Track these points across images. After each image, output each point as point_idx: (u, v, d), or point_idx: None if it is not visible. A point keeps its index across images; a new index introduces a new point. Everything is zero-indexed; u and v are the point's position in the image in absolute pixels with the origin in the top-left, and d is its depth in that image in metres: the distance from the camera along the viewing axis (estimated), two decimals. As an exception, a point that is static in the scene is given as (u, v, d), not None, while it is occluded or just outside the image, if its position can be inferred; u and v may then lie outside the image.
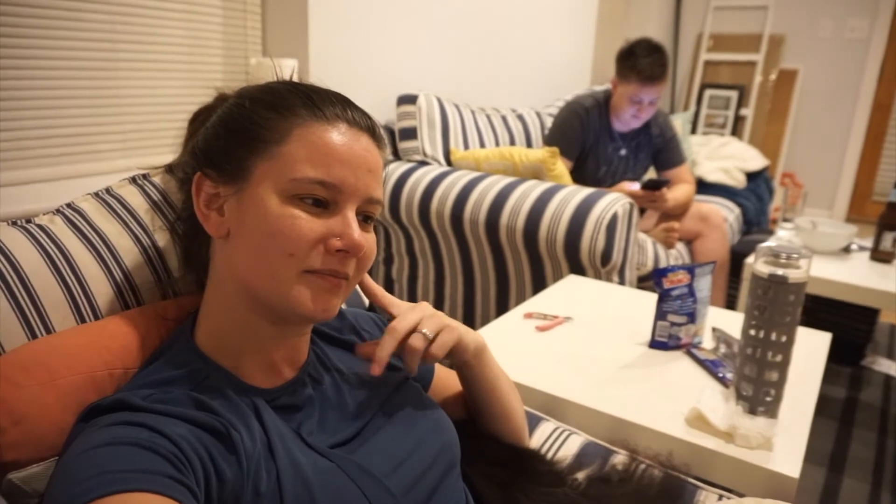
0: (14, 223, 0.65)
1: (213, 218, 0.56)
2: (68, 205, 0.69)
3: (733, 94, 3.95)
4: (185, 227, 0.63)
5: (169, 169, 0.72)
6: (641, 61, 1.94)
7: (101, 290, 0.65)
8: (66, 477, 0.42)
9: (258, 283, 0.54)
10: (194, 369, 0.55)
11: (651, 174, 2.34)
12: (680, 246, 2.10)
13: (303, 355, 0.61)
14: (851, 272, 1.70)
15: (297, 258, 0.52)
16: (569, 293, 1.35)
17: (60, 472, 0.44)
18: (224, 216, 0.56)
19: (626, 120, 2.07)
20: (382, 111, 2.04)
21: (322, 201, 0.53)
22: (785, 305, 0.82)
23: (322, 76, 1.94)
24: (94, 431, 0.46)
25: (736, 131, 3.94)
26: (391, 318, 0.65)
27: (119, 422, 0.46)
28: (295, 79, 0.62)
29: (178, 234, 0.66)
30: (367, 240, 0.56)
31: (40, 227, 0.65)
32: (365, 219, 0.57)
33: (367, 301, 1.02)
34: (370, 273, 2.10)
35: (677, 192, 2.10)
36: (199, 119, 0.64)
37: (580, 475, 0.76)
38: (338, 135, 0.54)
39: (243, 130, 0.55)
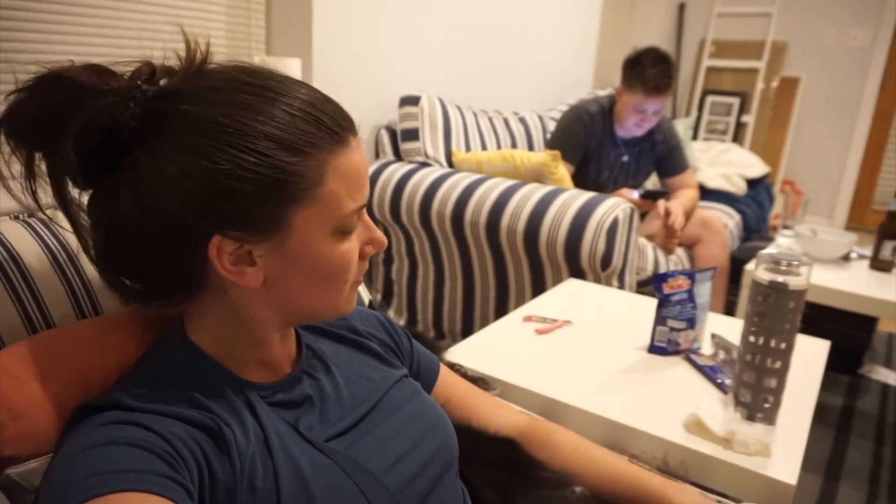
0: (16, 217, 0.65)
1: (247, 272, 0.51)
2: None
3: (735, 101, 3.95)
4: (148, 268, 0.52)
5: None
6: (648, 72, 1.94)
7: (102, 285, 0.65)
8: (60, 476, 0.42)
9: (316, 313, 0.56)
10: (189, 365, 0.54)
11: (653, 180, 2.35)
12: (680, 251, 2.10)
13: (293, 347, 0.61)
14: (851, 280, 1.71)
15: (352, 280, 0.56)
16: (568, 297, 1.36)
17: (55, 472, 0.44)
18: (256, 265, 0.51)
19: (629, 128, 2.08)
20: (385, 112, 2.05)
21: None
22: (785, 312, 0.82)
23: (325, 76, 1.94)
24: (88, 431, 0.46)
25: (737, 138, 3.94)
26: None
27: (113, 421, 0.46)
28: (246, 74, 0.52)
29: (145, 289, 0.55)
30: None
31: (42, 221, 0.65)
32: None
33: (366, 299, 1.02)
34: (369, 274, 2.10)
35: (683, 197, 2.09)
36: (41, 126, 0.49)
37: (578, 489, 0.76)
38: (355, 153, 0.53)
39: (274, 182, 0.48)
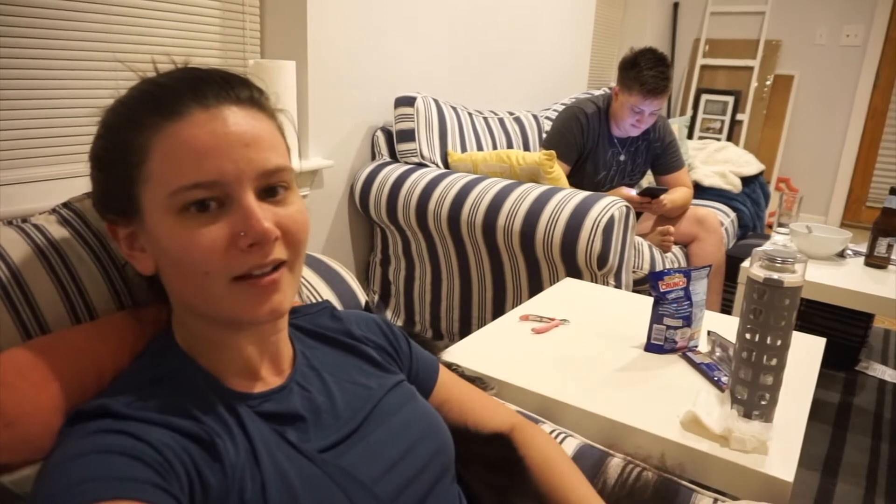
0: (10, 222, 0.65)
1: (139, 257, 0.54)
2: (65, 204, 0.69)
3: (729, 99, 3.97)
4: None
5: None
6: (645, 73, 1.95)
7: (97, 290, 0.64)
8: (49, 484, 0.42)
9: (197, 305, 0.52)
10: (175, 369, 0.54)
11: (649, 178, 2.35)
12: (676, 249, 2.11)
13: (286, 356, 0.60)
14: (846, 277, 1.71)
15: (215, 272, 0.49)
16: (565, 296, 1.36)
17: (44, 480, 0.43)
18: (146, 252, 0.54)
19: (626, 128, 2.08)
20: (380, 113, 2.04)
21: (209, 202, 0.49)
22: (780, 309, 0.82)
23: (321, 78, 1.94)
24: (78, 439, 0.45)
25: (732, 136, 3.95)
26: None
27: (103, 430, 0.46)
28: (151, 71, 0.54)
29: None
30: (284, 216, 0.51)
31: (36, 226, 0.65)
32: (273, 192, 0.52)
33: (363, 300, 1.02)
34: (366, 275, 2.10)
35: (674, 195, 2.11)
36: None
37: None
38: (194, 127, 0.48)
39: (111, 164, 0.52)
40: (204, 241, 0.48)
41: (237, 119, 0.50)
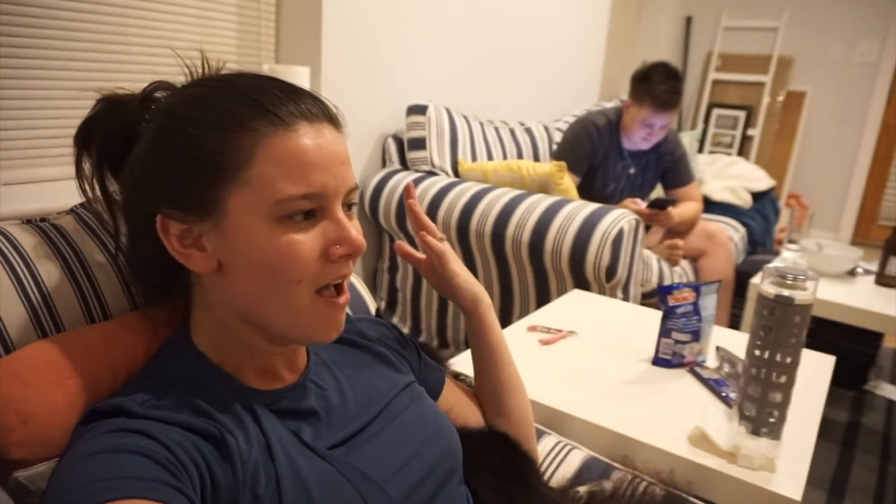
0: (28, 221, 0.66)
1: (195, 255, 0.52)
2: (82, 204, 0.70)
3: (741, 114, 3.96)
4: (145, 259, 0.57)
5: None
6: (657, 87, 1.95)
7: (113, 289, 0.65)
8: (63, 483, 0.43)
9: (268, 315, 0.52)
10: (191, 370, 0.54)
11: (658, 192, 2.35)
12: (684, 263, 2.10)
13: (302, 359, 0.61)
14: (856, 295, 1.70)
15: (306, 281, 0.51)
16: (573, 307, 1.36)
17: (58, 478, 0.44)
18: (207, 251, 0.51)
19: (636, 141, 2.09)
20: (392, 120, 2.06)
21: (310, 212, 0.51)
22: (791, 327, 0.82)
23: (334, 84, 1.94)
24: (92, 438, 0.46)
25: (743, 151, 3.94)
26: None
27: (116, 429, 0.46)
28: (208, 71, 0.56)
29: (135, 268, 0.60)
30: (360, 231, 0.54)
31: (54, 226, 0.66)
32: (349, 207, 0.55)
33: (372, 308, 1.02)
34: (374, 282, 2.11)
35: (683, 209, 2.10)
36: (87, 135, 0.58)
37: (582, 489, 0.76)
38: (303, 138, 0.50)
39: (198, 160, 0.49)
40: (303, 249, 0.50)
41: (333, 136, 0.53)
